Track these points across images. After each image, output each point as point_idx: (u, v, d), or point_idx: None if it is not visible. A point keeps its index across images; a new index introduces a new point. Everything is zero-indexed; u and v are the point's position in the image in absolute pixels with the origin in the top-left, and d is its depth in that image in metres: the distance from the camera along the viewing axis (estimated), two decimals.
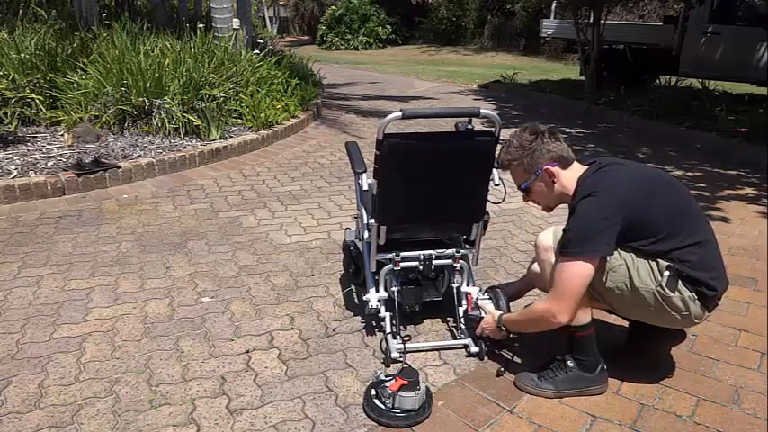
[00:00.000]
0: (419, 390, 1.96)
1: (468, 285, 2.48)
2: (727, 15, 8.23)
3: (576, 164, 2.07)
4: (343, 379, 2.19)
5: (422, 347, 2.37)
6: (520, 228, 3.77)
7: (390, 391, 1.94)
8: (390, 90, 10.02)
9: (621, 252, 1.94)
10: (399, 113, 2.09)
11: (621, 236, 1.89)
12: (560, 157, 2.04)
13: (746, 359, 2.33)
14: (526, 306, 2.38)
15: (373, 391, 2.02)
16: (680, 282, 1.90)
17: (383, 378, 2.00)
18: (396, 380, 1.95)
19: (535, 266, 2.28)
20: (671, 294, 1.91)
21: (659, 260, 1.91)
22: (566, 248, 1.90)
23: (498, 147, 2.19)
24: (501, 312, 2.23)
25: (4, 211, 3.81)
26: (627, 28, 10.30)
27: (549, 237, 2.08)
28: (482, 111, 2.19)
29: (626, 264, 1.93)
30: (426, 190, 2.24)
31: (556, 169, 2.03)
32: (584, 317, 2.03)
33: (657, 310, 1.96)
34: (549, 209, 2.19)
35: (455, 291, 2.46)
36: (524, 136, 2.06)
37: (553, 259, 2.03)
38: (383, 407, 1.96)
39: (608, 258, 1.93)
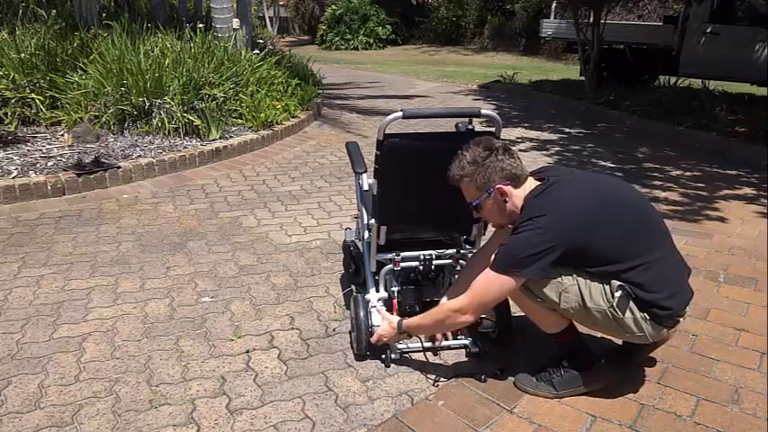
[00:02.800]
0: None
1: None
2: (727, 15, 8.22)
3: (529, 180, 1.99)
4: (343, 379, 2.19)
5: (422, 347, 2.36)
6: None
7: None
8: (390, 90, 10.01)
9: (574, 274, 1.92)
10: (400, 113, 2.09)
11: (569, 258, 1.86)
12: (513, 176, 1.96)
13: (746, 359, 2.33)
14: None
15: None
16: (631, 302, 1.89)
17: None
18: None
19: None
20: (622, 315, 1.90)
21: (612, 281, 1.90)
22: (497, 261, 1.89)
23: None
24: (399, 318, 2.19)
25: (4, 211, 3.82)
26: (627, 28, 10.30)
27: None
28: (483, 111, 2.19)
29: (578, 285, 1.92)
30: (426, 190, 2.23)
31: (508, 188, 1.95)
32: (560, 324, 2.04)
33: (612, 328, 1.98)
34: (500, 226, 2.15)
35: None
36: (477, 151, 1.96)
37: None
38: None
39: (561, 280, 1.92)
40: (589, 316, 1.95)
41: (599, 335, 2.23)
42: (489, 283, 1.91)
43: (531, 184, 1.99)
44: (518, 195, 1.96)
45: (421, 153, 2.18)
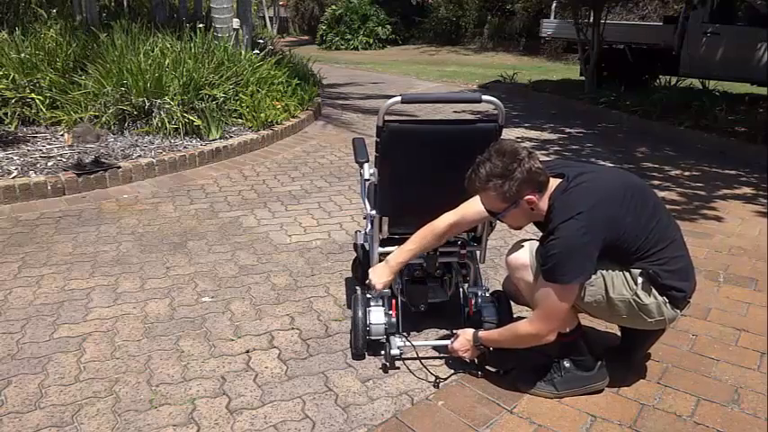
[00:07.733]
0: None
1: (475, 285, 2.42)
2: (728, 15, 8.23)
3: (550, 180, 1.96)
4: (343, 379, 2.19)
5: (423, 345, 2.36)
6: None
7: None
8: (390, 90, 9.99)
9: (597, 266, 1.92)
10: (399, 98, 2.07)
11: (601, 253, 1.87)
12: (541, 184, 1.90)
13: (746, 359, 2.34)
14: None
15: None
16: (652, 287, 1.92)
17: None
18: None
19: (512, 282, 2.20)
20: (646, 302, 1.93)
21: (632, 269, 1.92)
22: (552, 273, 1.85)
23: (480, 166, 1.91)
24: (474, 331, 2.13)
25: (4, 211, 3.82)
26: (627, 28, 10.29)
27: (526, 254, 2.02)
28: (484, 97, 2.14)
29: (602, 277, 1.93)
30: (428, 178, 2.18)
31: (536, 196, 1.90)
32: (572, 323, 2.04)
33: (633, 317, 1.98)
34: (519, 228, 2.12)
35: (461, 292, 2.42)
36: (504, 161, 1.84)
37: (529, 277, 2.00)
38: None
39: None
40: (611, 308, 1.96)
41: (598, 333, 2.23)
42: (555, 297, 1.87)
43: (552, 182, 1.94)
44: (544, 200, 1.93)
45: (421, 138, 2.14)
